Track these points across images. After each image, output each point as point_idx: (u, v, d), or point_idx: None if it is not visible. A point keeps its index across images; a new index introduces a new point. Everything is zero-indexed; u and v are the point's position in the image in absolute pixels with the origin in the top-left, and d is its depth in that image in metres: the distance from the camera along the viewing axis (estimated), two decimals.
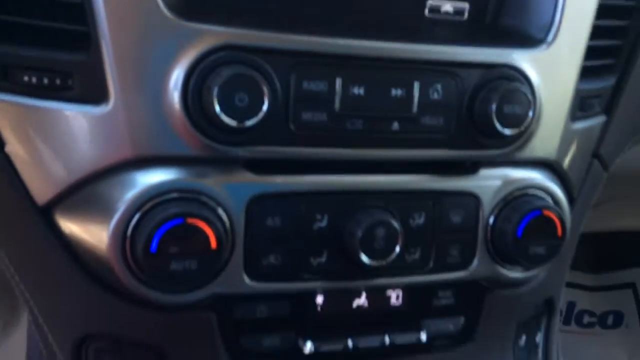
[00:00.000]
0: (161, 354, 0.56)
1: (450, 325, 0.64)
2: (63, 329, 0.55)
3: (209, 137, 0.50)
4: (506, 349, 0.68)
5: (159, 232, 0.49)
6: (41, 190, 0.52)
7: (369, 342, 0.59)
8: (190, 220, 0.49)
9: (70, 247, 0.52)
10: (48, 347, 0.56)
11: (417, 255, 0.59)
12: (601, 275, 1.84)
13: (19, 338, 1.09)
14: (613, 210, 0.92)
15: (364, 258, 0.55)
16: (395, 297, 0.61)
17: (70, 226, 0.52)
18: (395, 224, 0.56)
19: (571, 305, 1.81)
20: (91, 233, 0.51)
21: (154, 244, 0.49)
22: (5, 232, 0.54)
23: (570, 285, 1.81)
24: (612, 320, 1.83)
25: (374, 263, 0.55)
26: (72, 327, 0.55)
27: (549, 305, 0.71)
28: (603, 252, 1.83)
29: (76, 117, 0.50)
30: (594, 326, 1.82)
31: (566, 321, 1.81)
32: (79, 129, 0.50)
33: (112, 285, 0.52)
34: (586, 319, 1.82)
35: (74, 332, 0.55)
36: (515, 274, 0.63)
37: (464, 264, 0.61)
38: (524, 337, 0.71)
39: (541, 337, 0.72)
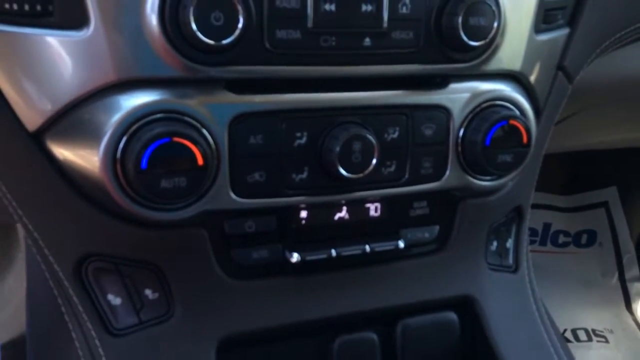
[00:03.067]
0: (158, 270, 0.59)
1: (426, 233, 0.68)
2: (62, 251, 0.58)
3: (189, 58, 0.52)
4: (478, 254, 0.73)
5: (147, 151, 0.51)
6: (30, 117, 0.53)
7: (351, 250, 0.63)
8: (176, 139, 0.52)
9: (63, 172, 0.55)
10: (50, 268, 0.59)
11: (392, 168, 0.62)
12: (575, 196, 1.90)
13: (13, 283, 1.11)
14: (578, 124, 0.96)
15: (343, 171, 0.58)
16: (374, 209, 0.65)
17: (62, 151, 0.54)
18: (371, 138, 0.59)
19: (547, 226, 1.88)
20: (82, 157, 0.54)
21: (144, 162, 0.51)
22: (1, 161, 0.57)
23: (545, 207, 1.88)
24: (586, 239, 1.90)
25: (352, 176, 0.59)
26: (71, 249, 0.58)
27: (518, 213, 0.76)
28: (576, 174, 1.89)
29: (58, 44, 0.51)
30: (569, 245, 1.89)
31: (542, 242, 1.88)
32: (62, 55, 0.51)
33: (107, 206, 0.55)
34: (561, 238, 1.89)
35: (73, 253, 0.58)
36: (485, 182, 0.66)
37: (437, 175, 0.64)
38: (495, 243, 0.75)
39: (511, 243, 0.77)
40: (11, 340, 1.02)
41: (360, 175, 0.59)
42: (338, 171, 0.58)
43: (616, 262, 1.82)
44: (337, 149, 0.57)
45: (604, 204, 1.87)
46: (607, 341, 1.62)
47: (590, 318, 1.68)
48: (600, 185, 1.85)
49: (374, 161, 0.59)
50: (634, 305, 1.72)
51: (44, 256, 0.59)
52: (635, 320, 1.70)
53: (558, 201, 1.89)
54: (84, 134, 0.53)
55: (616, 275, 1.79)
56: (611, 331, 1.65)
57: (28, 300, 0.68)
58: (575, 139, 1.18)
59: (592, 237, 1.90)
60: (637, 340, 1.64)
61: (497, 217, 0.73)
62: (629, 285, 1.78)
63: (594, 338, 1.62)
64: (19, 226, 0.75)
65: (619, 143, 1.40)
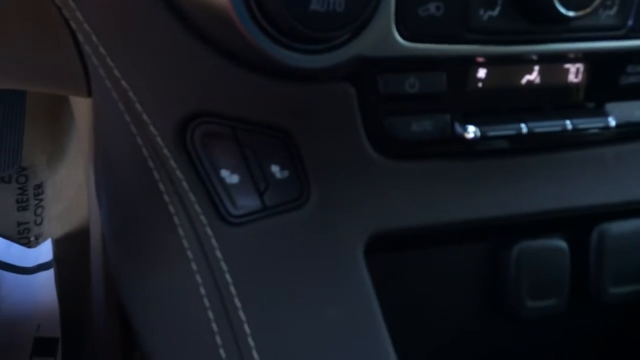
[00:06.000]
0: (288, 139, 0.43)
1: (637, 111, 0.50)
2: (162, 107, 0.42)
3: None
4: None
5: None
6: None
7: (547, 127, 0.46)
8: None
9: None
10: (143, 132, 0.43)
11: (613, 11, 0.44)
12: None
13: (66, 174, 1.00)
14: None
15: (560, 7, 0.41)
16: (574, 71, 0.48)
17: None
18: None
19: None
20: None
21: None
22: None
23: None
24: None
25: (572, 14, 0.41)
26: (173, 104, 0.42)
27: None
28: None
29: None
30: None
31: None
32: None
33: (227, 45, 0.39)
34: None
35: (177, 110, 0.42)
36: None
37: None
38: None
39: None
40: (66, 235, 0.94)
41: (587, 10, 0.41)
42: (552, 5, 0.41)
43: None
44: None
45: None
46: None
47: None
48: None
49: None
50: None
51: (136, 115, 0.43)
52: None
53: None
54: None
55: None
56: None
57: (101, 180, 0.52)
58: None
59: None
60: None
61: None
62: None
63: None
64: (75, 105, 0.60)
65: None
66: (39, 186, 1.02)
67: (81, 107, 0.54)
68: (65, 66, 0.46)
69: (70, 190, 0.98)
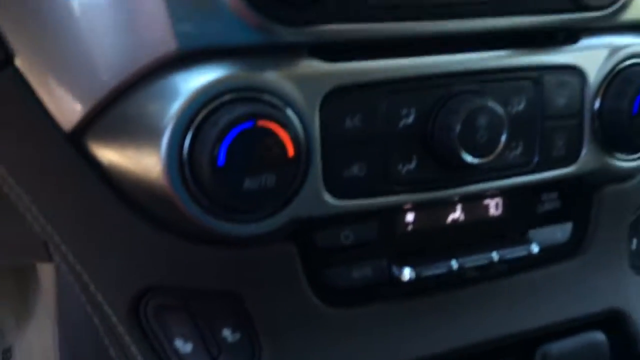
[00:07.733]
0: (237, 302, 0.46)
1: (558, 233, 0.55)
2: (114, 286, 0.45)
3: (267, 15, 0.39)
4: (620, 255, 0.58)
5: (225, 141, 0.38)
6: (65, 113, 0.41)
7: (475, 261, 0.49)
8: (262, 123, 0.39)
9: (112, 182, 0.42)
10: (97, 311, 0.45)
11: (519, 151, 0.49)
12: None
13: (34, 338, 0.99)
14: None
15: (466, 156, 0.45)
16: (494, 205, 0.52)
17: (108, 154, 0.42)
18: (498, 108, 0.46)
19: None
20: (135, 161, 0.41)
21: (221, 157, 0.38)
22: (31, 172, 0.44)
23: None
24: None
25: (478, 161, 0.46)
26: (124, 282, 0.45)
27: None
28: None
29: (97, 6, 0.39)
30: None
31: None
32: (102, 22, 0.39)
33: (171, 223, 0.42)
34: None
35: (128, 287, 0.44)
36: (627, 163, 0.53)
37: (571, 156, 0.51)
38: (634, 241, 0.61)
39: None
40: None
41: (489, 158, 0.46)
42: (459, 156, 0.45)
43: None
44: (458, 126, 0.45)
45: None
46: None
47: None
48: None
49: (503, 138, 0.46)
50: None
51: (90, 296, 0.45)
52: None
53: None
54: (136, 130, 0.41)
55: None
56: None
57: (63, 356, 0.54)
58: None
59: None
60: None
61: (634, 210, 0.60)
62: None
63: None
64: (39, 267, 0.63)
65: None
66: (8, 350, 1.00)
67: (45, 272, 0.55)
68: (29, 241, 0.48)
69: (37, 353, 0.96)
